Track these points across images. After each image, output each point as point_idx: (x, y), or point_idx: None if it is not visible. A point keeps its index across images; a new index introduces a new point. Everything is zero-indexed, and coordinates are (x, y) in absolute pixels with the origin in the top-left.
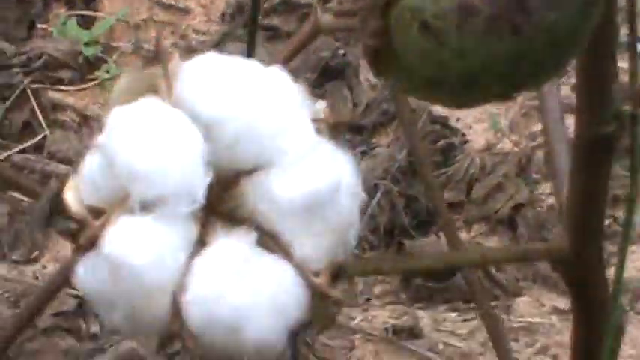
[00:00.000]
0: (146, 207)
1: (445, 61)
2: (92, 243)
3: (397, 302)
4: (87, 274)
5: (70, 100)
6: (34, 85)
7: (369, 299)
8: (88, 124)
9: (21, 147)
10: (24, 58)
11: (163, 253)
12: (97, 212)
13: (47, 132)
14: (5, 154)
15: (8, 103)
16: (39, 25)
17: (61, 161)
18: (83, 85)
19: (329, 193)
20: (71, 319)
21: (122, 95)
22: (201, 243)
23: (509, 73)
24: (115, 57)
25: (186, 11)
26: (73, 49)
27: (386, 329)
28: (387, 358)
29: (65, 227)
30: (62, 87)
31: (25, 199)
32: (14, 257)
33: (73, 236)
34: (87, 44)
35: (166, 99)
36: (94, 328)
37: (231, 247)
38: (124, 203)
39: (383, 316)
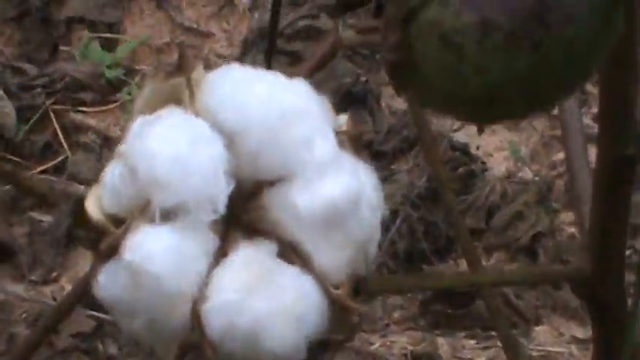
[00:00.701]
0: (167, 215)
1: (465, 76)
2: (113, 251)
3: (416, 328)
4: (107, 282)
5: (91, 121)
6: (56, 107)
7: (387, 325)
8: (110, 145)
9: (42, 168)
10: (46, 79)
11: (183, 262)
12: (118, 221)
13: (68, 153)
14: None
15: (30, 124)
16: (62, 47)
17: (82, 183)
18: (105, 107)
19: (350, 205)
20: (89, 341)
21: (145, 105)
22: (222, 253)
23: (529, 89)
24: (137, 79)
25: (208, 35)
26: (95, 71)
27: (404, 355)
28: None
29: (86, 237)
30: (84, 109)
31: (44, 219)
32: (33, 278)
33: (93, 244)
34: (109, 66)
35: (189, 109)
36: (112, 349)
37: (252, 257)
38: (144, 211)
39: (401, 342)
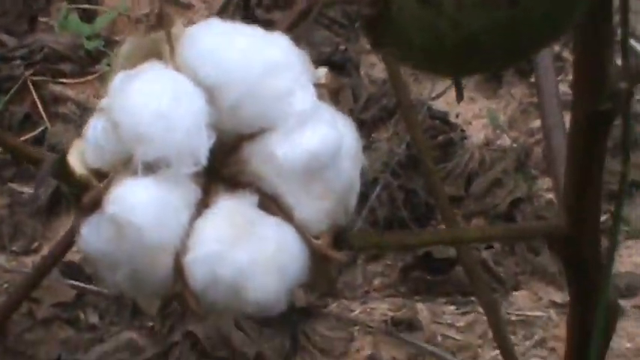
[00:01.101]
0: (149, 168)
1: (442, 30)
2: (96, 204)
3: (396, 295)
4: (90, 235)
5: (70, 92)
6: (35, 78)
7: (367, 292)
8: (89, 117)
9: (21, 139)
10: (25, 50)
11: (166, 214)
12: (100, 174)
13: (48, 125)
14: None
15: (9, 95)
16: (40, 19)
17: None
18: (84, 78)
19: (330, 155)
20: (70, 310)
21: (126, 60)
22: (204, 205)
23: (506, 43)
24: (116, 50)
25: (187, 6)
26: (75, 43)
27: (385, 321)
28: (385, 350)
29: (69, 192)
30: (63, 80)
31: (25, 190)
32: (14, 248)
33: (76, 198)
34: (88, 38)
35: (169, 63)
36: (93, 319)
37: (234, 209)
38: (127, 165)
39: (382, 308)
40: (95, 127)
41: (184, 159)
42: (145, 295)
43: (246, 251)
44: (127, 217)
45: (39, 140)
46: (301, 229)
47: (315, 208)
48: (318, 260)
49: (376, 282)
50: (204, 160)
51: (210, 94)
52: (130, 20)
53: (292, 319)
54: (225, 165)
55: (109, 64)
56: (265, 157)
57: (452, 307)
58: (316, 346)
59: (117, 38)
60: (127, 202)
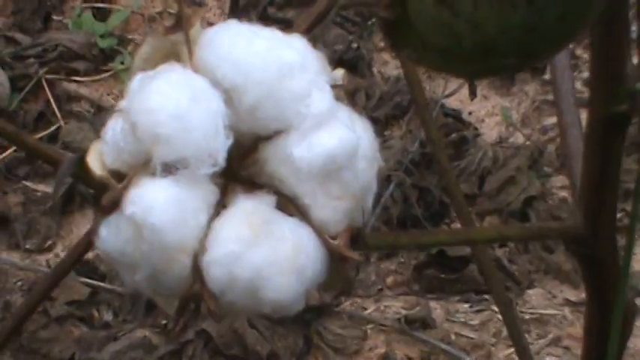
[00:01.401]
0: (168, 169)
1: (460, 32)
2: (115, 205)
3: (409, 293)
4: (110, 235)
5: (84, 91)
6: (49, 76)
7: (381, 290)
8: (103, 115)
9: (36, 137)
10: (39, 49)
11: (185, 215)
12: (119, 176)
13: (62, 122)
14: None
15: (23, 93)
16: (54, 17)
17: (75, 152)
18: (98, 77)
19: (347, 156)
20: (84, 308)
21: (145, 61)
22: (221, 206)
23: (523, 44)
24: (129, 49)
25: (200, 4)
26: (88, 41)
27: (398, 319)
28: (398, 349)
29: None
30: (77, 78)
31: (39, 188)
32: (28, 246)
33: (95, 199)
34: (102, 36)
35: (188, 65)
36: (107, 316)
37: (251, 209)
38: (146, 166)
39: (395, 306)
40: (114, 128)
41: (202, 160)
42: (163, 295)
43: (264, 252)
44: (146, 218)
45: (53, 138)
46: (318, 230)
47: (332, 208)
48: (335, 260)
49: (390, 280)
50: (222, 162)
51: (228, 95)
52: (144, 18)
53: (305, 318)
54: (243, 166)
55: (122, 62)
56: (283, 158)
57: (466, 306)
58: (329, 345)
59: (130, 36)
60: (145, 203)
